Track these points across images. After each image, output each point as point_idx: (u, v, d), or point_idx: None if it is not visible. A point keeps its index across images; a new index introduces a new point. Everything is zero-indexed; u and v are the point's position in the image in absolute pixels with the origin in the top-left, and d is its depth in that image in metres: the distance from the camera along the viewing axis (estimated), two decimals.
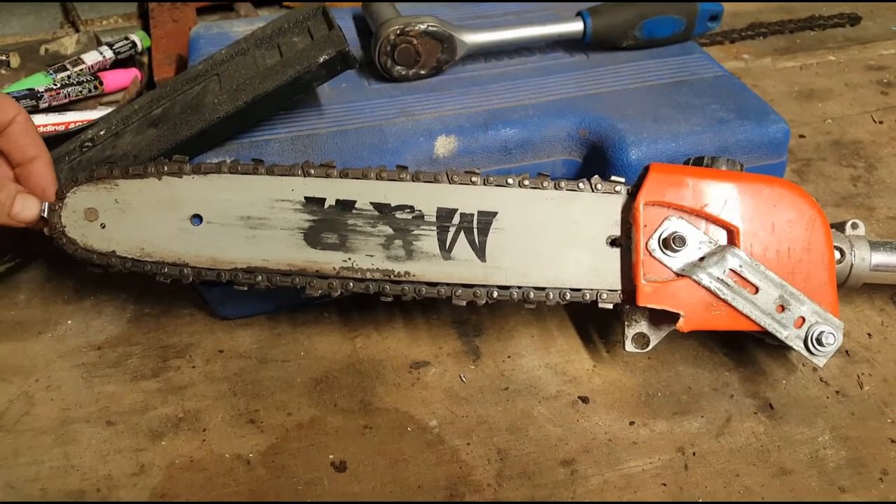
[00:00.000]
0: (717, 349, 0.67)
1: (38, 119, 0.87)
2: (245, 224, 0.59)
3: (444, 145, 0.69)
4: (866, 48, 1.11)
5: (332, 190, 0.59)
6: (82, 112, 0.91)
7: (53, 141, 0.81)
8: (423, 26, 0.74)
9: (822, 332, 0.57)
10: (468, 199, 0.59)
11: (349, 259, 0.59)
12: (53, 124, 0.88)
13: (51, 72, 0.93)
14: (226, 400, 0.64)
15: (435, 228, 0.59)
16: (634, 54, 0.80)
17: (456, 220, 0.59)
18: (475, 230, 0.59)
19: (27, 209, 0.59)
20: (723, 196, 0.58)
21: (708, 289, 0.57)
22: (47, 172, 0.62)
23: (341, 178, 0.60)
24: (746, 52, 1.10)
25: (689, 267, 0.58)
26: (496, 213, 0.59)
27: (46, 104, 0.90)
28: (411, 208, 0.59)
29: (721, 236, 0.59)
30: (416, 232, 0.59)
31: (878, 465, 0.58)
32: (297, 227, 0.59)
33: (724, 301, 0.57)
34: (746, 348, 0.67)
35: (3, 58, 1.01)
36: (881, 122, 0.95)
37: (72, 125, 0.88)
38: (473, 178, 0.59)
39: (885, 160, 0.89)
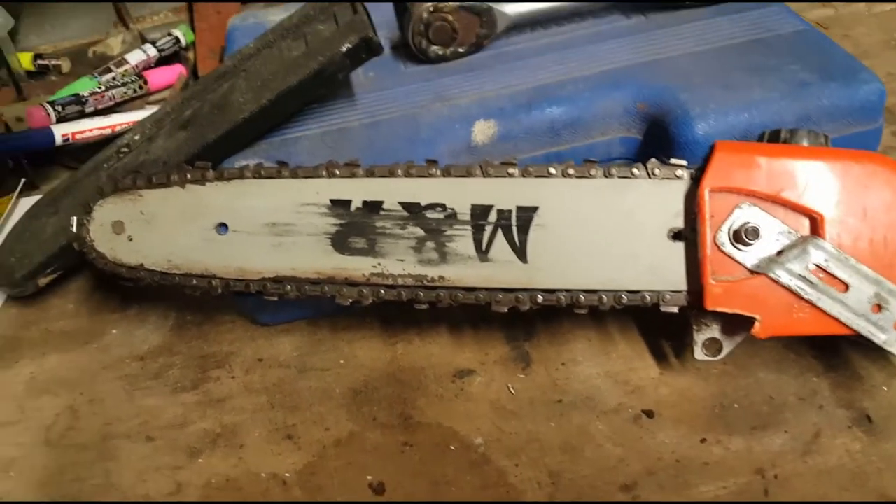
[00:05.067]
0: (804, 351, 0.59)
1: (85, 123, 0.87)
2: (271, 231, 0.56)
3: (482, 131, 0.63)
4: None
5: (358, 190, 0.55)
6: (128, 113, 0.90)
7: (97, 146, 0.81)
8: (458, 0, 0.67)
9: None
10: (505, 193, 0.53)
11: (379, 265, 0.55)
12: (99, 128, 0.87)
13: (96, 75, 0.93)
14: (263, 413, 0.61)
15: (470, 228, 0.54)
16: (700, 12, 0.71)
17: (492, 217, 0.53)
18: (514, 228, 0.53)
19: None
20: (803, 178, 0.50)
21: (788, 288, 0.49)
22: None
23: (367, 177, 0.55)
24: None
25: (765, 263, 0.50)
26: (537, 208, 0.53)
27: (92, 108, 0.90)
28: (443, 207, 0.54)
29: (802, 225, 0.50)
30: (449, 232, 0.54)
31: None
32: (323, 233, 0.56)
33: (808, 302, 0.49)
34: (839, 350, 0.58)
35: (56, 62, 1.01)
36: None
37: (118, 127, 0.87)
38: (510, 170, 0.53)
39: None
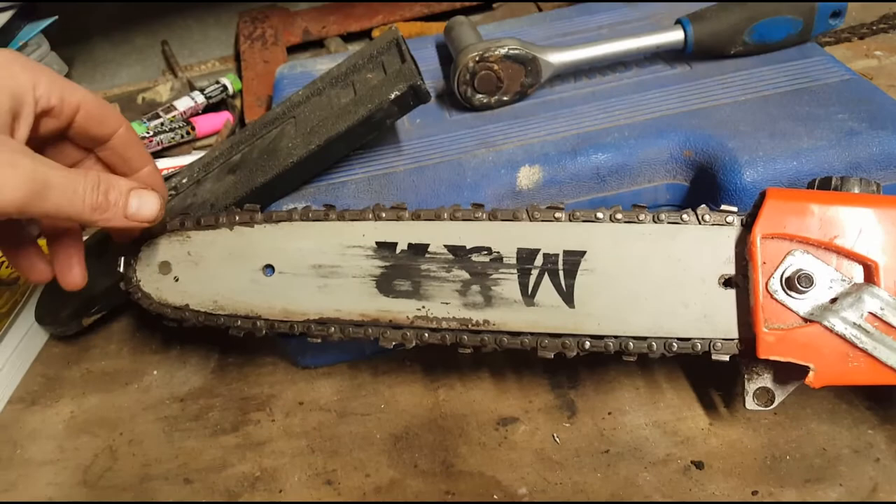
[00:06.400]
0: (858, 402, 0.57)
1: None
2: (317, 273, 0.56)
3: (527, 176, 0.63)
4: None
5: (403, 233, 0.55)
6: (176, 158, 0.92)
7: None
8: (503, 50, 0.68)
9: None
10: (551, 237, 0.53)
11: (423, 307, 0.55)
12: None
13: (145, 120, 0.95)
14: (303, 458, 0.60)
15: (515, 271, 0.53)
16: (744, 61, 0.71)
17: (538, 261, 0.53)
18: (561, 272, 0.53)
19: (145, 206, 0.51)
20: (856, 224, 0.49)
21: (842, 336, 0.48)
22: (157, 176, 0.57)
23: (413, 220, 0.55)
24: (879, 48, 0.97)
25: (819, 311, 0.49)
26: (584, 253, 0.53)
27: None
28: (488, 250, 0.54)
29: (856, 273, 0.49)
30: (494, 276, 0.54)
31: None
32: (368, 275, 0.55)
33: (863, 351, 0.48)
34: (895, 401, 0.56)
35: None
36: None
37: (165, 172, 0.89)
38: (557, 214, 0.53)
39: None
